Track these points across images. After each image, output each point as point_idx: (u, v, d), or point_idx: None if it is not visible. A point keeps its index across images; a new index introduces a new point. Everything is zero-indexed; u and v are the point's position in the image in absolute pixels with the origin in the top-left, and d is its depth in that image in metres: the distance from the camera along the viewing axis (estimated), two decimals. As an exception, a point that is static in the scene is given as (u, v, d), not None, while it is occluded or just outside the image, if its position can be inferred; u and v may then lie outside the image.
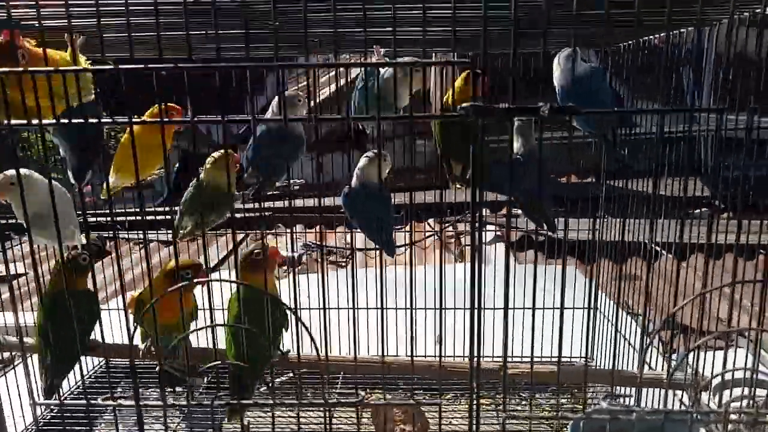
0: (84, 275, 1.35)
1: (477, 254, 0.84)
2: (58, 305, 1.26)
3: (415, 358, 1.58)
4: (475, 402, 0.81)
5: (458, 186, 1.65)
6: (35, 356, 1.42)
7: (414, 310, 0.94)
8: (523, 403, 1.78)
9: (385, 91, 1.48)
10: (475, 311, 0.86)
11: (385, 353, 1.09)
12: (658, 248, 1.49)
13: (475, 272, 0.82)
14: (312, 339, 0.91)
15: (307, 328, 0.94)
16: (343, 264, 3.98)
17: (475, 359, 0.83)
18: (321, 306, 1.30)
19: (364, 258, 3.82)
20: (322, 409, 1.80)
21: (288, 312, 1.30)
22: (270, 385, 1.61)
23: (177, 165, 3.00)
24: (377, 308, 1.94)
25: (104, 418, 1.85)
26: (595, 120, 1.45)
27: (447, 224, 4.16)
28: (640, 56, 1.63)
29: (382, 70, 1.50)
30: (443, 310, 0.97)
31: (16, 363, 1.98)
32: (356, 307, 1.47)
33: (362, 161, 1.60)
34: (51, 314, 1.29)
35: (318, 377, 1.81)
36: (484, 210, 4.52)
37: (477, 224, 0.88)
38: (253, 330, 1.20)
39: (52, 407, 1.70)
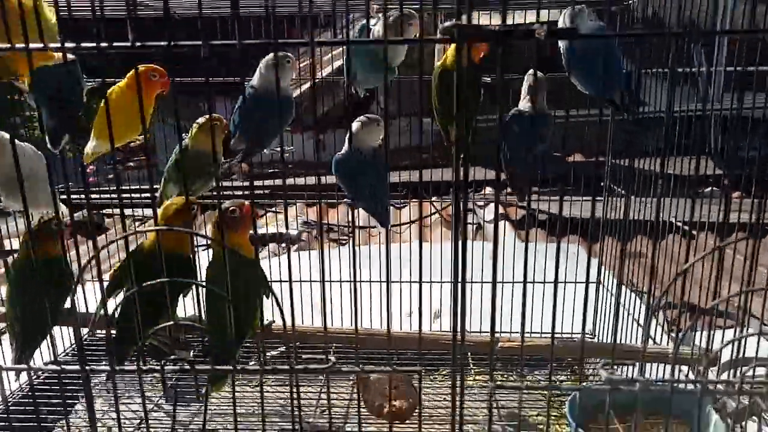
0: (55, 243, 1.28)
1: (460, 223, 0.77)
2: (26, 273, 1.19)
3: (411, 332, 1.53)
4: (459, 375, 0.74)
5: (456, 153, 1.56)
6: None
7: (420, 284, 0.86)
8: (520, 379, 1.71)
9: (377, 48, 1.39)
10: (459, 284, 0.79)
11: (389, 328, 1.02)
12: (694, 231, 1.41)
13: (458, 243, 0.74)
14: (281, 310, 0.84)
15: (277, 298, 0.86)
16: (344, 242, 3.91)
17: (459, 332, 0.75)
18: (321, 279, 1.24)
19: (366, 236, 3.75)
20: (317, 381, 1.79)
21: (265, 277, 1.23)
22: (260, 357, 1.54)
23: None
24: (380, 281, 1.87)
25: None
26: (602, 82, 1.36)
27: (448, 204, 4.08)
28: (651, 14, 1.53)
29: (372, 26, 1.41)
30: (422, 284, 0.88)
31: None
32: (359, 280, 1.41)
33: (354, 126, 1.51)
34: (19, 283, 1.22)
35: (313, 351, 1.75)
36: (486, 187, 4.45)
37: (462, 190, 0.80)
38: (225, 295, 1.14)
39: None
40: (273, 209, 4.20)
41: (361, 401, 1.35)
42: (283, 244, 3.71)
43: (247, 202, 1.23)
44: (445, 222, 3.97)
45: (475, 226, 3.97)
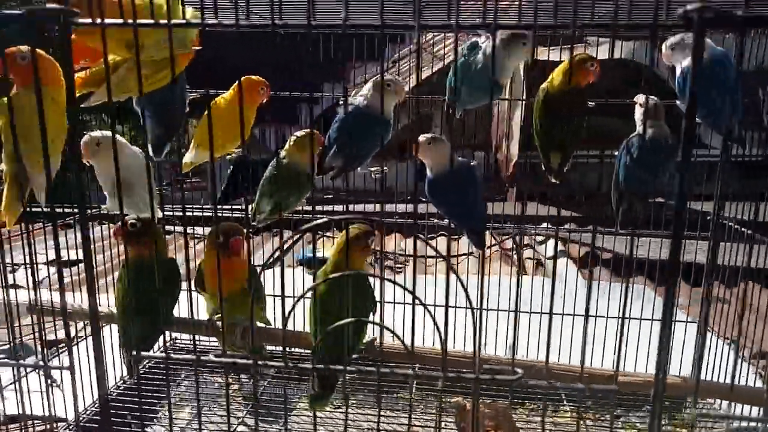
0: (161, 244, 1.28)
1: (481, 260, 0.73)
2: (143, 274, 1.18)
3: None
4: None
5: (555, 180, 1.52)
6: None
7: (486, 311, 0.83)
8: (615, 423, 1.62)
9: (487, 67, 1.37)
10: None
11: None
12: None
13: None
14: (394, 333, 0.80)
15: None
16: (399, 270, 3.87)
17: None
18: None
19: (423, 267, 3.71)
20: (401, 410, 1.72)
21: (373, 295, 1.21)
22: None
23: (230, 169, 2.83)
24: (472, 308, 1.82)
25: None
26: (722, 111, 1.31)
27: (506, 236, 4.00)
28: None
29: (482, 44, 1.40)
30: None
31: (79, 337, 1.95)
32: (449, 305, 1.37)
33: (369, 84, 1.51)
34: (136, 283, 1.21)
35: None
36: (544, 224, 4.36)
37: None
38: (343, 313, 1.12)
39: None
40: (329, 234, 4.21)
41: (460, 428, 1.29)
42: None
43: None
44: (503, 256, 3.89)
45: (534, 261, 3.87)
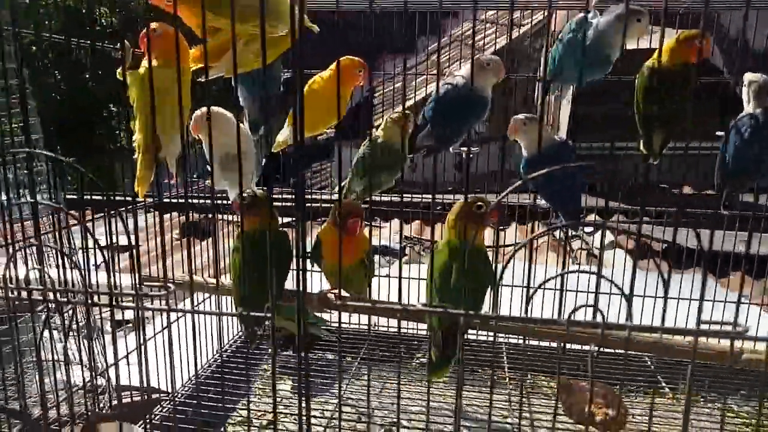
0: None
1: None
2: (260, 245, 1.20)
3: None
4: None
5: (654, 162, 1.51)
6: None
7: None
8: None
9: (598, 43, 1.36)
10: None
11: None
12: None
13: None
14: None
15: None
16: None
17: None
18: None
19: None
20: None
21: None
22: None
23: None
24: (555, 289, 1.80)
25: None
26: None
27: (555, 227, 3.97)
28: None
29: (594, 20, 1.38)
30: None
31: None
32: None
33: (467, 65, 1.50)
34: (256, 254, 1.22)
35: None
36: (594, 215, 4.31)
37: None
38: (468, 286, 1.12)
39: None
40: (376, 223, 4.23)
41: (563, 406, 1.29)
42: (388, 257, 3.72)
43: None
44: (552, 246, 3.86)
45: (585, 252, 3.84)
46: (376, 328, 2.06)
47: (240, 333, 2.04)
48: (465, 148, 1.61)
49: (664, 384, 1.70)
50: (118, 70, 1.13)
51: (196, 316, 0.97)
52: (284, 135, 1.65)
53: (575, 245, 3.95)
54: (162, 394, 1.55)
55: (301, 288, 0.87)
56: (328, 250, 1.31)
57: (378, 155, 1.60)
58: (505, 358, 1.84)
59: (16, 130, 1.36)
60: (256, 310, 1.16)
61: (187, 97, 1.15)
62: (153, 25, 1.17)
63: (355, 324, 2.04)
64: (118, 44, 1.20)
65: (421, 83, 5.17)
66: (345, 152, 1.16)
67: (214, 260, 1.39)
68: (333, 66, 1.56)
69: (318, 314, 1.76)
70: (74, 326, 1.43)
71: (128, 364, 1.39)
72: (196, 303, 1.70)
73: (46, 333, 1.27)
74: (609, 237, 3.96)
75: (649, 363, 1.79)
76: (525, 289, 0.97)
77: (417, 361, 1.97)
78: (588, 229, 4.13)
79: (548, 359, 1.87)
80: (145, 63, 1.17)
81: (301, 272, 0.87)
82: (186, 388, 1.66)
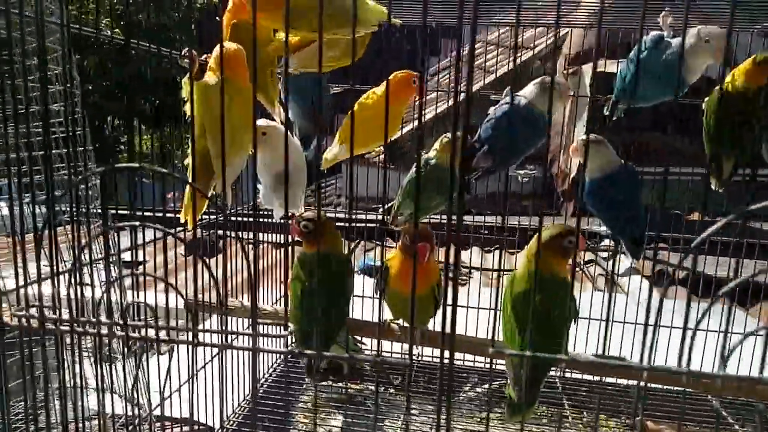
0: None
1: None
2: (324, 271, 1.11)
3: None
4: None
5: (720, 189, 1.45)
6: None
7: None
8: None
9: (670, 64, 1.31)
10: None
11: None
12: None
13: None
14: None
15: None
16: (463, 282, 3.79)
17: None
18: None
19: (487, 279, 3.62)
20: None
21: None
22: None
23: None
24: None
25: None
26: None
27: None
28: None
29: (668, 38, 1.33)
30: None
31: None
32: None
33: (532, 87, 1.47)
34: (312, 280, 1.13)
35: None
36: (607, 240, 4.25)
37: None
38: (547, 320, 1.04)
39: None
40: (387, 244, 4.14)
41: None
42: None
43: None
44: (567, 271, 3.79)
45: (604, 278, 3.77)
46: (420, 358, 1.96)
47: (277, 362, 1.94)
48: (523, 171, 1.55)
49: (731, 420, 1.62)
50: (184, 80, 1.05)
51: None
52: (333, 152, 1.57)
53: (590, 270, 3.89)
54: (201, 426, 1.44)
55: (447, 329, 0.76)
56: (396, 278, 1.23)
57: (430, 177, 1.53)
58: (561, 391, 1.76)
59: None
60: (319, 341, 1.07)
61: (250, 115, 1.07)
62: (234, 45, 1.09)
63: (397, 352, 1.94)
64: (183, 52, 1.12)
65: (431, 101, 5.13)
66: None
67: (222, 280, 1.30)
68: (390, 77, 1.50)
69: (358, 341, 1.67)
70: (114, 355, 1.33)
71: (161, 393, 1.29)
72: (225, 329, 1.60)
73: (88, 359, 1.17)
74: (625, 263, 3.90)
75: (709, 396, 1.71)
76: (603, 323, 0.90)
77: (464, 395, 1.88)
78: (603, 254, 4.07)
79: (610, 397, 1.77)
80: (209, 74, 1.09)
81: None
82: (231, 422, 1.55)
